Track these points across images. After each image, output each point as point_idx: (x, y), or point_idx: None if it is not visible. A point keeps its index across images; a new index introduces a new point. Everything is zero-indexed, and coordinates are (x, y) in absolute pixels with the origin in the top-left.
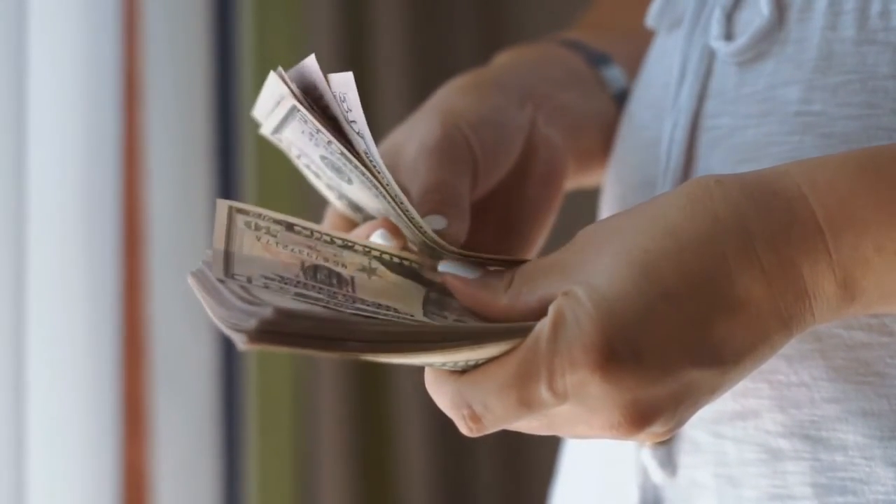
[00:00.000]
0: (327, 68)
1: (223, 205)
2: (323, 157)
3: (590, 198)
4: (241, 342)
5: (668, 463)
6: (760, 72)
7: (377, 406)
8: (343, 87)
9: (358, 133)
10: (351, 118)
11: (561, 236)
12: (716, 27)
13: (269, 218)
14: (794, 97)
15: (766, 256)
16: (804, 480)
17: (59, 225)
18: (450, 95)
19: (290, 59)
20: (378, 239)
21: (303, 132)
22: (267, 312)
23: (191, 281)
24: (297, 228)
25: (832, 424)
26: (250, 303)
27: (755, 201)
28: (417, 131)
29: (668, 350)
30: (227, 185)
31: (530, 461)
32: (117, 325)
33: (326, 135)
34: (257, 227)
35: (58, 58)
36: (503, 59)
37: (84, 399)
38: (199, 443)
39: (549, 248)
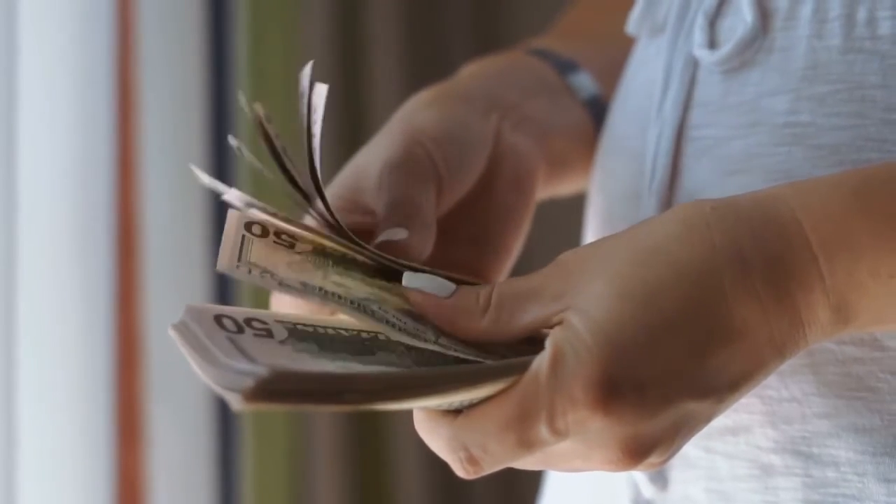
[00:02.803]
0: (323, 73)
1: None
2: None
3: (576, 209)
4: (235, 402)
5: (660, 478)
6: (746, 81)
7: (373, 413)
8: (319, 98)
9: (312, 147)
10: (314, 131)
11: (548, 246)
12: (699, 35)
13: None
14: (781, 107)
15: (762, 287)
16: (796, 496)
17: (52, 230)
18: (412, 111)
19: (284, 66)
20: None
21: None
22: (262, 373)
23: (174, 335)
24: (254, 324)
25: (824, 440)
26: (241, 359)
27: (751, 230)
28: (380, 150)
29: (669, 383)
30: None
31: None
32: (111, 331)
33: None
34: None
35: (50, 62)
36: (470, 70)
37: (78, 406)
38: (195, 450)
39: (535, 256)
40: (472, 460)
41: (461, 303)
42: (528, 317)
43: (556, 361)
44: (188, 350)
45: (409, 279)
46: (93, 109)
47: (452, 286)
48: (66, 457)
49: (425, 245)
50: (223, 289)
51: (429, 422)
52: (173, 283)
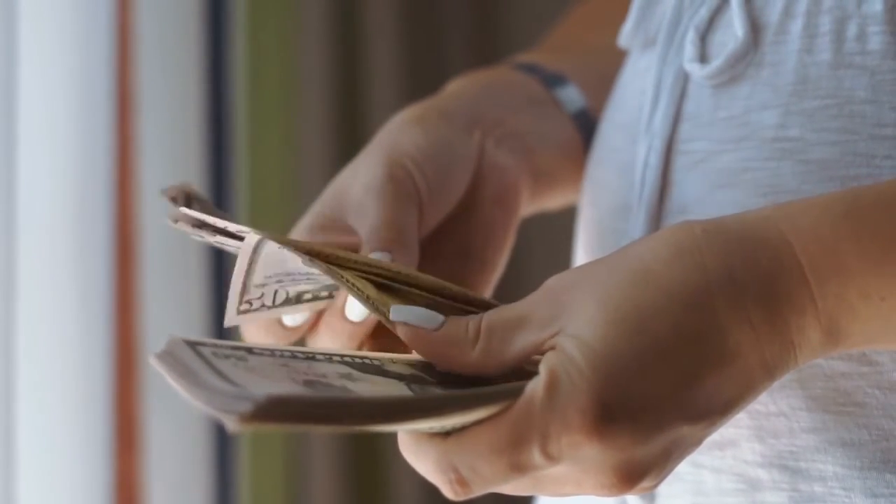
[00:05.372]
0: (321, 74)
1: (179, 343)
2: (305, 282)
3: (568, 221)
4: (231, 424)
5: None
6: (736, 95)
7: None
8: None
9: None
10: (225, 228)
11: (540, 258)
12: (690, 49)
13: (226, 346)
14: (770, 122)
15: (754, 311)
16: None
17: (51, 234)
18: (393, 132)
19: (282, 67)
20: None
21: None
22: (260, 398)
23: (156, 363)
24: (256, 351)
25: (811, 455)
26: (233, 384)
27: (743, 254)
28: (362, 171)
29: (663, 408)
30: (220, 192)
31: None
32: (109, 336)
33: (304, 266)
34: (226, 356)
35: (49, 64)
36: (453, 87)
37: (76, 411)
38: (192, 455)
39: (528, 269)
40: (461, 481)
41: (450, 334)
42: (520, 344)
43: (552, 386)
44: (174, 377)
45: (395, 312)
46: (92, 112)
47: (440, 318)
48: (64, 463)
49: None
50: (220, 293)
51: (416, 445)
52: (171, 289)
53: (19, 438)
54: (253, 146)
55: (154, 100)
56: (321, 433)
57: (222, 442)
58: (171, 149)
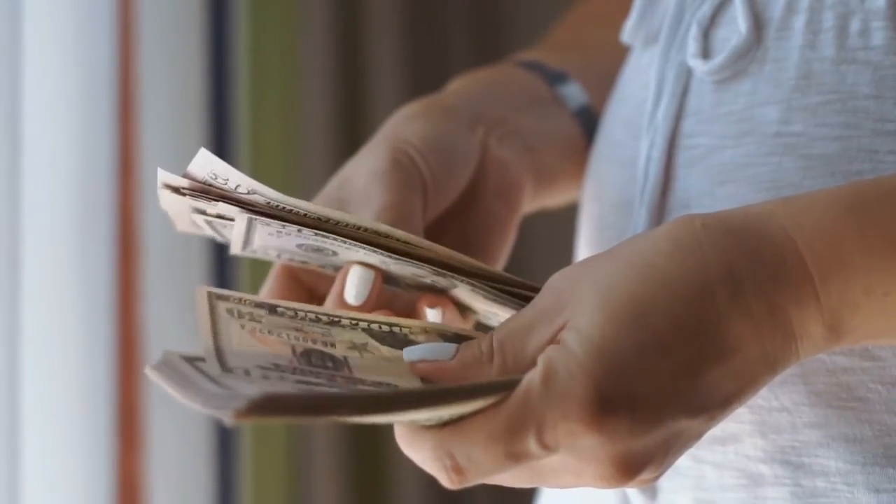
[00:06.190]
0: (323, 72)
1: (202, 292)
2: (299, 245)
3: (570, 217)
4: (227, 418)
5: (648, 487)
6: (738, 91)
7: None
8: (205, 167)
9: (249, 192)
10: (236, 188)
11: (543, 253)
12: (692, 44)
13: (250, 302)
14: (773, 117)
15: (755, 304)
16: None
17: (54, 232)
18: (397, 124)
19: (284, 68)
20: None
21: (269, 234)
22: (253, 394)
23: (152, 374)
24: (279, 310)
25: (813, 450)
26: (223, 386)
27: (743, 247)
28: (366, 161)
29: (661, 400)
30: None
31: None
32: (112, 333)
33: (289, 226)
34: (240, 315)
35: (52, 62)
36: (456, 85)
37: (78, 407)
38: (194, 452)
39: (531, 263)
40: (457, 469)
41: (465, 360)
42: (532, 349)
43: (548, 377)
44: (172, 386)
45: (408, 353)
46: (94, 111)
47: (453, 347)
48: (68, 460)
49: None
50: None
51: (411, 436)
52: (173, 285)
53: (23, 436)
54: (255, 145)
55: (156, 98)
56: (318, 423)
57: (224, 439)
58: (173, 148)
